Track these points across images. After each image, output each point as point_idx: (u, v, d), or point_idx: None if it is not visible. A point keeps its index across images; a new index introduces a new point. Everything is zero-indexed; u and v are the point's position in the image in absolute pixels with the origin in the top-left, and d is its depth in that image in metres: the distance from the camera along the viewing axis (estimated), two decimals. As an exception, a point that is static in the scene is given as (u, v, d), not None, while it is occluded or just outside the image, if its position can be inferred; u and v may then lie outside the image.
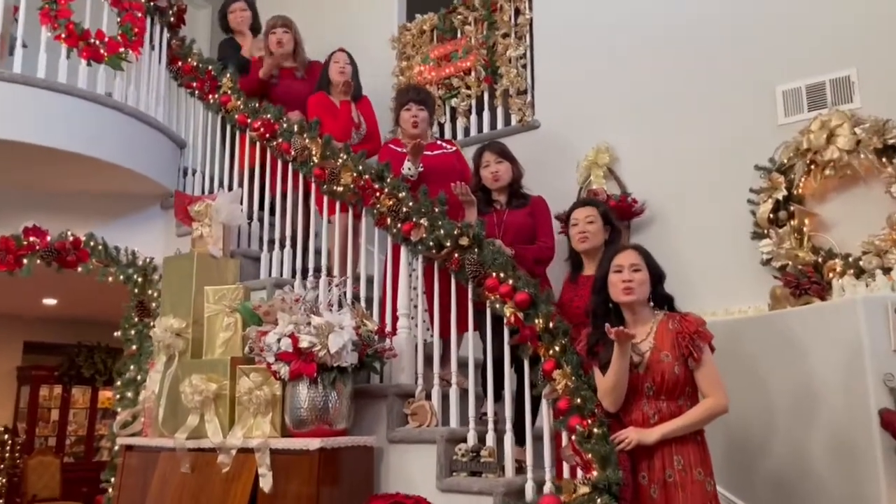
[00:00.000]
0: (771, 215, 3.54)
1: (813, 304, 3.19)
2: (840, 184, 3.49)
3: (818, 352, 3.00)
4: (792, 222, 3.50)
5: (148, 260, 4.44)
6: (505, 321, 3.04)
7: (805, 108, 3.63)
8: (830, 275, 3.31)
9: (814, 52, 3.65)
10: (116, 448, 4.00)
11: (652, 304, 2.69)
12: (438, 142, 4.09)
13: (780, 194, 3.52)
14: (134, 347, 4.36)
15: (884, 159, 3.31)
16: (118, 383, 4.41)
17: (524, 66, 4.65)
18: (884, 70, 3.47)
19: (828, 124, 3.41)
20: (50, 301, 7.14)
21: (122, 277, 4.40)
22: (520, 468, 3.02)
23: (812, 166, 3.47)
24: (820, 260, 3.39)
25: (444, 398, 3.28)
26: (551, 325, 2.89)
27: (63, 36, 3.96)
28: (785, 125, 3.66)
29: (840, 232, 3.46)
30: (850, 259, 3.31)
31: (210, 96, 4.53)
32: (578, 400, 2.67)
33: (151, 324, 4.07)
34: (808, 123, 3.52)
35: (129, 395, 4.26)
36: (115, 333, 4.49)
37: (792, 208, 3.51)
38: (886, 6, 3.52)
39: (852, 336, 2.85)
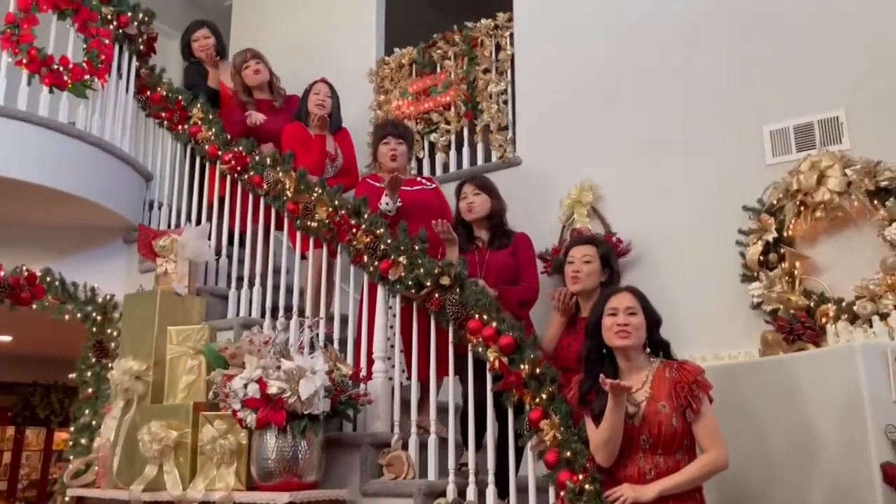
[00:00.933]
0: (761, 257, 3.48)
1: (809, 350, 3.11)
2: (831, 226, 3.44)
3: (816, 400, 2.89)
4: (783, 265, 3.43)
5: (108, 297, 4.30)
6: (488, 366, 2.95)
7: (793, 148, 3.60)
8: (823, 320, 3.24)
9: (802, 93, 3.64)
10: (67, 499, 3.78)
11: (648, 350, 2.59)
12: (417, 178, 4.04)
13: (770, 236, 3.46)
14: (90, 390, 4.20)
15: (875, 202, 3.27)
16: (72, 428, 4.20)
17: (505, 102, 4.60)
18: (873, 111, 3.46)
19: (818, 165, 3.37)
20: (4, 338, 6.91)
21: (79, 315, 4.25)
22: None
23: (802, 208, 3.42)
24: (812, 304, 3.32)
25: (422, 447, 3.17)
26: (538, 371, 2.80)
27: (24, 61, 3.85)
28: (773, 165, 3.62)
29: (832, 275, 3.41)
30: (844, 304, 3.25)
31: (179, 126, 4.42)
32: (568, 453, 2.56)
33: (110, 365, 3.93)
34: (796, 164, 3.47)
35: (84, 441, 4.08)
36: (71, 375, 4.28)
37: (782, 250, 3.45)
38: (875, 47, 3.53)
39: (851, 385, 2.76)
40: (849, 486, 2.74)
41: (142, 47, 4.60)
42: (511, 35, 4.65)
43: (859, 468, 2.70)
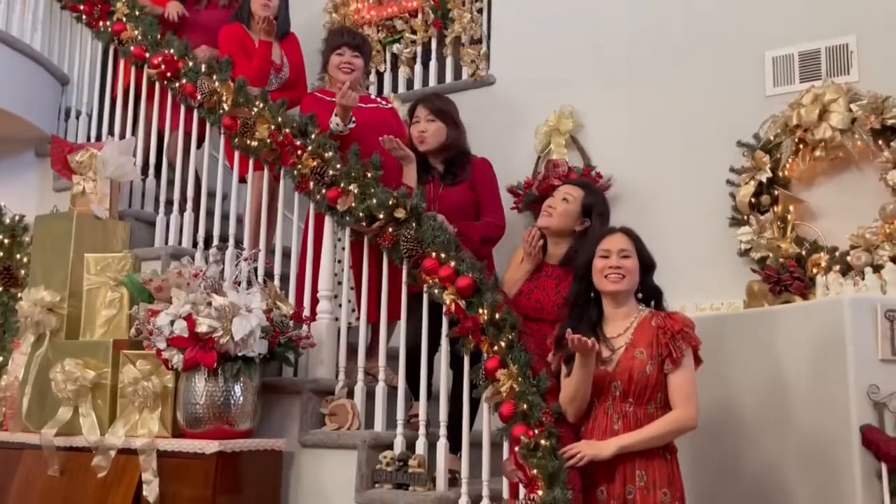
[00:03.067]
0: (752, 199, 3.60)
1: (794, 303, 3.25)
2: (831, 167, 3.55)
3: (798, 357, 3.05)
4: (775, 208, 3.56)
5: (17, 217, 4.34)
6: (444, 310, 3.05)
7: (797, 78, 3.68)
8: (814, 270, 3.39)
9: (809, 15, 3.70)
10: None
11: (640, 295, 2.72)
12: (372, 96, 4.06)
13: (764, 176, 3.57)
14: None
15: (880, 142, 3.38)
16: (-23, 364, 4.25)
17: (479, 11, 4.62)
18: (886, 40, 3.53)
19: (821, 98, 3.46)
20: None
21: None
22: (453, 479, 3.04)
23: (801, 145, 3.53)
24: (804, 253, 3.46)
25: (370, 396, 3.29)
26: (497, 316, 2.89)
27: None
28: (773, 96, 3.71)
29: (828, 222, 3.54)
30: (837, 253, 3.39)
31: (100, 23, 4.35)
32: (525, 406, 2.68)
33: (19, 295, 3.98)
34: (799, 96, 3.56)
35: None
36: (-26, 305, 4.32)
37: (776, 192, 3.57)
38: (894, -32, 3.56)
39: (836, 341, 2.90)
40: (826, 446, 2.90)
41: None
42: (488, -68, 4.64)
43: (838, 429, 2.85)
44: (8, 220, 4.30)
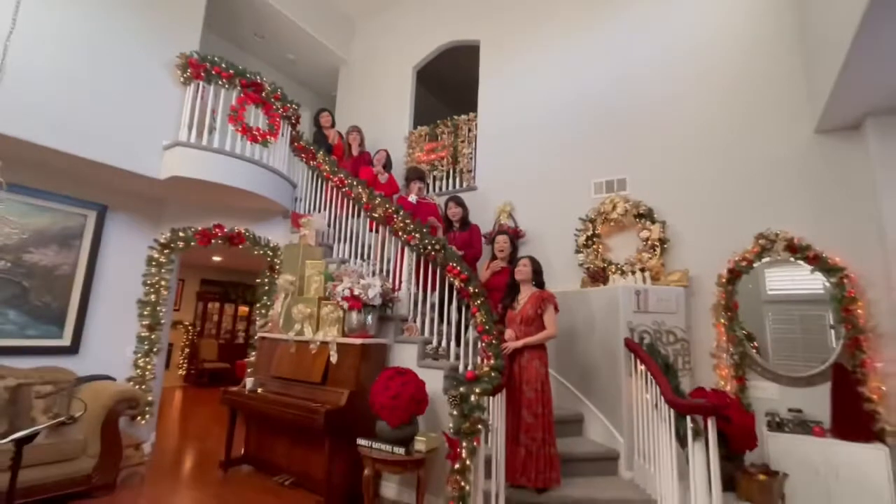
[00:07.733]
0: (585, 241, 3.66)
1: (600, 287, 3.41)
2: (617, 229, 3.64)
3: (601, 309, 3.21)
4: (594, 247, 3.64)
5: (276, 244, 4.35)
6: (455, 286, 3.21)
7: (604, 191, 3.75)
8: (610, 272, 3.52)
9: (609, 163, 3.80)
10: (256, 337, 3.98)
11: (534, 283, 2.90)
12: (426, 195, 4.22)
13: (589, 233, 3.66)
14: (266, 288, 4.32)
15: (637, 219, 3.52)
16: (258, 305, 4.33)
17: (471, 158, 4.66)
18: (640, 175, 3.65)
19: (614, 200, 3.60)
20: (217, 258, 7.03)
21: (261, 252, 4.33)
22: (457, 358, 3.19)
23: (604, 219, 3.63)
24: (606, 265, 3.58)
25: (423, 321, 3.40)
26: (477, 290, 3.08)
27: (239, 129, 3.96)
28: (595, 199, 3.77)
29: (615, 253, 3.62)
30: (619, 265, 3.53)
31: (310, 162, 4.51)
32: (487, 326, 2.88)
33: (276, 277, 4.08)
34: (604, 199, 3.66)
35: (263, 311, 4.21)
36: (256, 280, 4.45)
37: (595, 239, 3.65)
38: (650, 135, 3.60)
39: (615, 303, 3.09)
40: (612, 348, 3.09)
41: (293, 120, 4.63)
42: (476, 124, 4.68)
43: (616, 340, 3.06)
44: (272, 245, 4.31)
